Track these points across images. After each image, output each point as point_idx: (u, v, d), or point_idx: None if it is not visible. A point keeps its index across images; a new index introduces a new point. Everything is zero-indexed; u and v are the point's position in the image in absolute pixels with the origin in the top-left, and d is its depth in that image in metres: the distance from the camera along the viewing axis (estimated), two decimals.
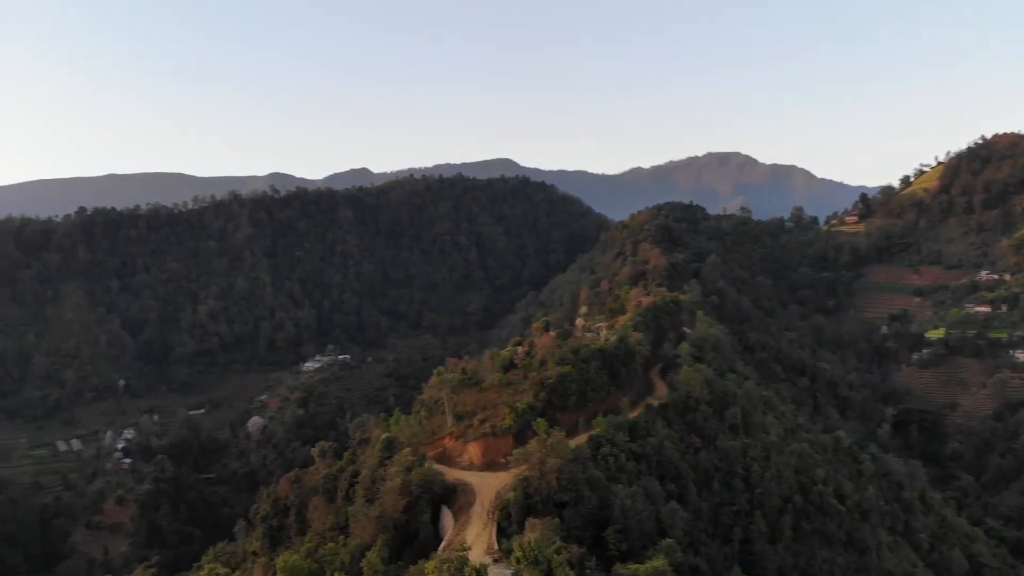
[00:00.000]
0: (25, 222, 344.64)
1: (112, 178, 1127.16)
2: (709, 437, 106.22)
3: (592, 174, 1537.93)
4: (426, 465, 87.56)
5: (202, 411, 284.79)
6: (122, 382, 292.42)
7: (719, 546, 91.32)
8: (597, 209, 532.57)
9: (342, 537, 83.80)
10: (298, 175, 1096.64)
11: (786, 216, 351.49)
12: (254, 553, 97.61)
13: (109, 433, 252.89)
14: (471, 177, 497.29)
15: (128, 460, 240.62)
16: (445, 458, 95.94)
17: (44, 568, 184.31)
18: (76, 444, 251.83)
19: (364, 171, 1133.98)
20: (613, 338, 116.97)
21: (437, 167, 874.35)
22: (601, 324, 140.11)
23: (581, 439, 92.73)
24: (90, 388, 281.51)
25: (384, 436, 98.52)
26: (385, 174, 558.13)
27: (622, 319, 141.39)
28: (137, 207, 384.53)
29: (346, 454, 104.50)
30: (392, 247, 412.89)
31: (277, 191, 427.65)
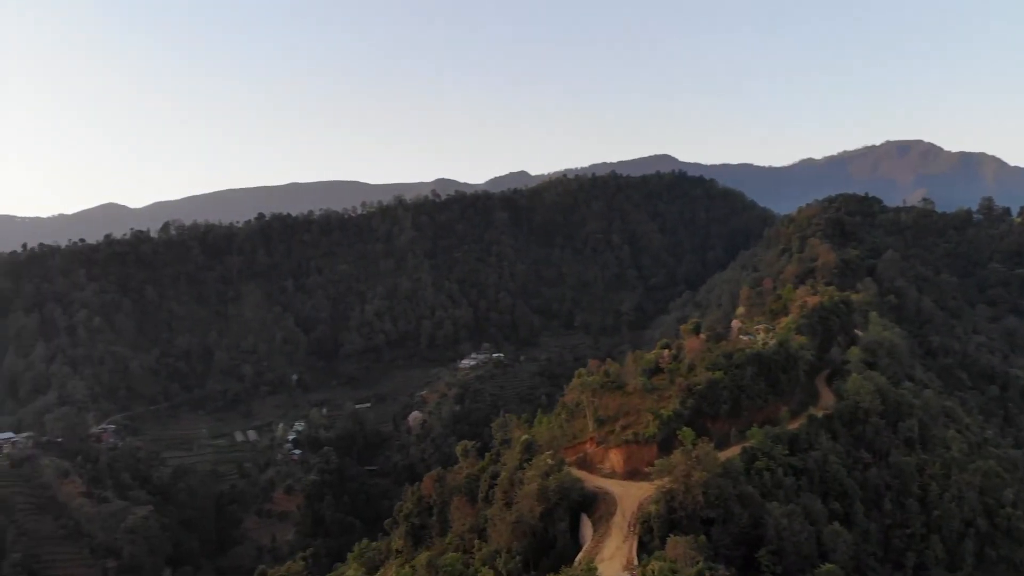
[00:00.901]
0: (209, 228, 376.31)
1: (294, 187, 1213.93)
2: (880, 452, 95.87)
3: (758, 167, 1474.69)
4: (565, 470, 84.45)
5: (367, 405, 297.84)
6: (295, 377, 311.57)
7: (889, 572, 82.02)
8: (762, 204, 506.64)
9: (479, 541, 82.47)
10: (461, 180, 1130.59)
11: (974, 207, 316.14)
12: (397, 551, 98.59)
13: (281, 425, 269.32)
14: (626, 175, 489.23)
15: (298, 451, 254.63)
16: (586, 463, 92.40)
17: (218, 553, 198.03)
18: (252, 435, 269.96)
19: (522, 174, 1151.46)
20: (772, 342, 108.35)
21: (593, 166, 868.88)
22: (760, 326, 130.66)
23: (733, 451, 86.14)
24: (266, 382, 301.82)
25: (524, 438, 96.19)
26: (542, 176, 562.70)
27: (784, 321, 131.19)
28: (311, 213, 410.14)
29: (488, 454, 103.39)
30: (545, 247, 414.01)
31: (438, 195, 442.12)
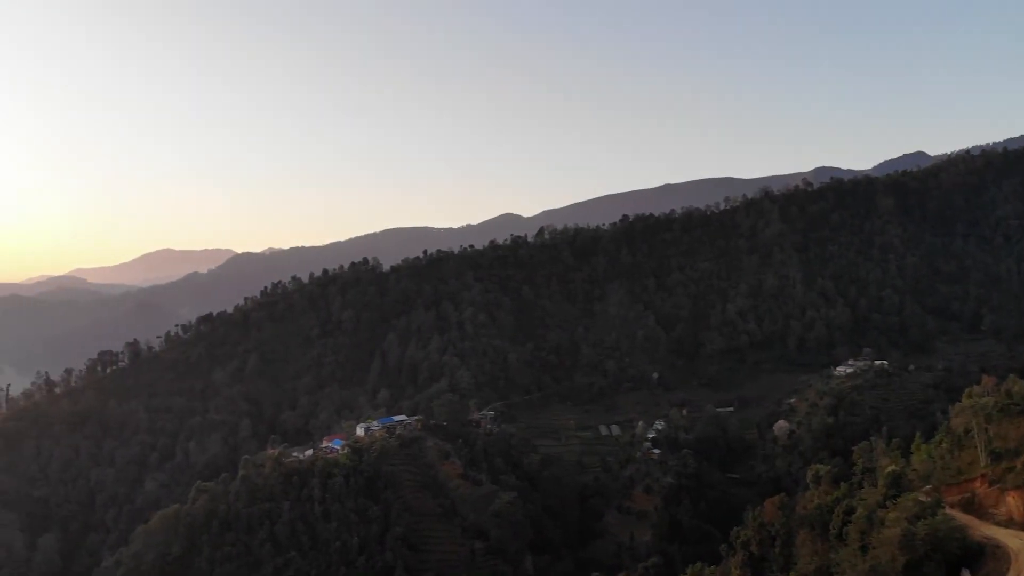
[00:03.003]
0: (578, 231, 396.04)
1: (665, 188, 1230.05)
2: None
3: None
4: (942, 514, 67.31)
5: (730, 409, 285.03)
6: (655, 375, 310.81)
7: None
8: None
9: None
10: (844, 166, 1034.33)
11: None
12: None
13: (641, 423, 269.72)
14: None
15: (657, 451, 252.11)
16: (973, 507, 73.18)
17: (579, 544, 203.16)
18: (615, 430, 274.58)
19: (919, 155, 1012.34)
20: None
21: (1009, 140, 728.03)
22: None
23: None
24: (628, 378, 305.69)
25: (890, 469, 79.58)
26: (943, 156, 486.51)
27: None
28: (672, 211, 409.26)
29: (843, 484, 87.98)
30: (942, 236, 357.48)
31: (810, 184, 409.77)
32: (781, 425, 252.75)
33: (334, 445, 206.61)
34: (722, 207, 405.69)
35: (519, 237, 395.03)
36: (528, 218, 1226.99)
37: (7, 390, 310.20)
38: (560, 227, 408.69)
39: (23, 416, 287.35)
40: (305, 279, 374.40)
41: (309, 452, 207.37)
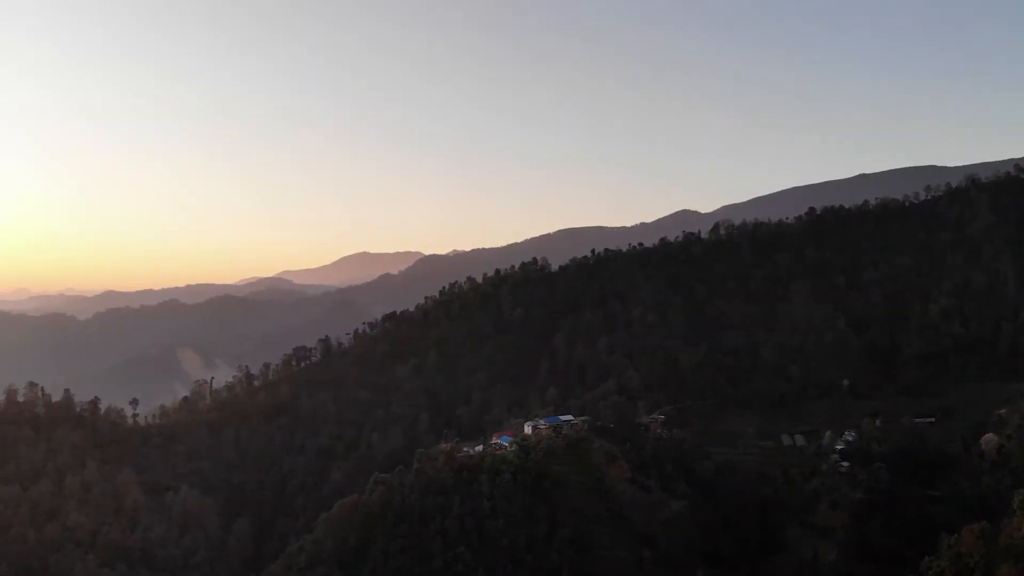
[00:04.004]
0: (758, 226, 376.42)
1: (861, 178, 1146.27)
2: None
3: None
4: None
5: (931, 420, 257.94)
6: (846, 382, 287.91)
7: None
8: None
9: None
10: None
11: None
12: None
13: (828, 433, 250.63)
14: None
15: (846, 463, 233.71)
16: None
17: (757, 557, 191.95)
18: (799, 439, 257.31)
19: None
20: None
21: None
22: None
23: None
24: (814, 385, 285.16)
25: None
26: None
27: None
28: (865, 203, 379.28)
29: None
30: None
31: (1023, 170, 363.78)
32: (989, 438, 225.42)
33: (503, 441, 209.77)
34: (923, 197, 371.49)
35: (691, 234, 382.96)
36: (705, 214, 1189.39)
37: (211, 383, 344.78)
38: (738, 222, 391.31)
39: (225, 407, 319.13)
40: (482, 279, 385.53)
41: (479, 447, 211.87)
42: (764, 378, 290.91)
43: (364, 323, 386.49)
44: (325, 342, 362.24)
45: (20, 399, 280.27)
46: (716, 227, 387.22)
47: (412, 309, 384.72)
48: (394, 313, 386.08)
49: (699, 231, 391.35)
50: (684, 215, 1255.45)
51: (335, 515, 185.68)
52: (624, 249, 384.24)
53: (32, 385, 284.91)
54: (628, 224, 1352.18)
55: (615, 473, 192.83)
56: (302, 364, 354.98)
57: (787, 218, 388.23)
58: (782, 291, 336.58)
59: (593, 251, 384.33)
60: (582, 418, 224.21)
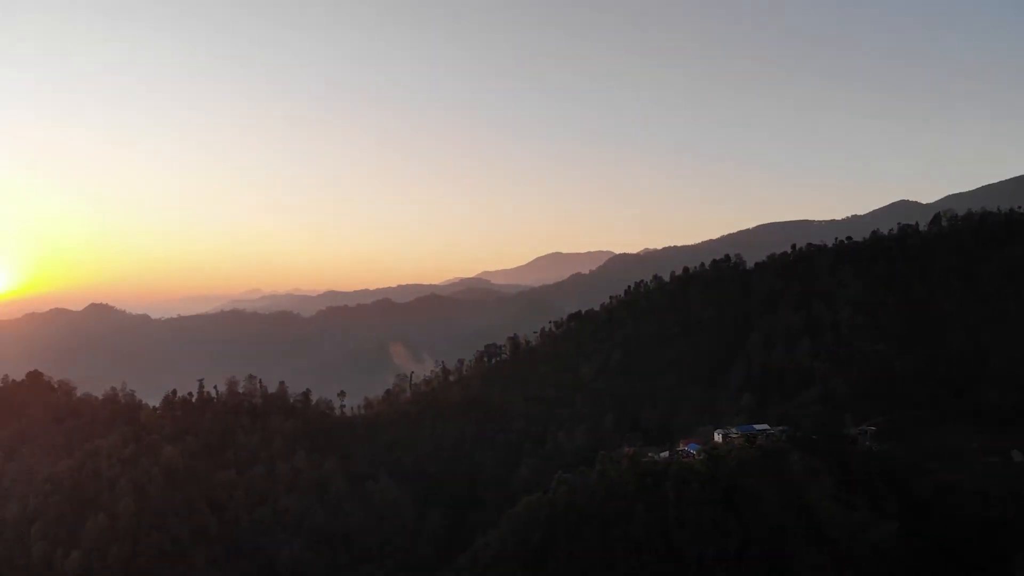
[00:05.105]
0: (985, 215, 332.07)
1: None
2: None
3: None
4: None
5: None
6: None
7: None
8: None
9: None
10: None
11: None
12: None
13: None
14: None
15: None
16: None
17: None
18: None
19: None
20: None
21: None
22: None
23: None
24: None
25: None
26: None
27: None
28: None
29: None
30: None
31: None
32: None
33: (689, 449, 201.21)
34: None
35: (907, 226, 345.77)
36: (927, 204, 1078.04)
37: (411, 377, 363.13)
38: (963, 213, 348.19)
39: (421, 400, 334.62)
40: (669, 278, 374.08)
41: (664, 453, 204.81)
42: (992, 387, 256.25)
43: (551, 322, 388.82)
44: (514, 340, 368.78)
45: (240, 390, 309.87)
46: (937, 217, 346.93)
47: (598, 308, 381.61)
48: (579, 312, 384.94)
49: (916, 223, 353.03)
50: (902, 205, 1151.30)
51: (519, 512, 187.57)
52: (823, 243, 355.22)
53: (251, 377, 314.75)
54: (838, 217, 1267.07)
55: (816, 489, 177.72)
56: (492, 361, 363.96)
57: (1019, 207, 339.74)
58: (1015, 289, 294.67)
59: (794, 246, 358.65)
60: (780, 428, 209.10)
